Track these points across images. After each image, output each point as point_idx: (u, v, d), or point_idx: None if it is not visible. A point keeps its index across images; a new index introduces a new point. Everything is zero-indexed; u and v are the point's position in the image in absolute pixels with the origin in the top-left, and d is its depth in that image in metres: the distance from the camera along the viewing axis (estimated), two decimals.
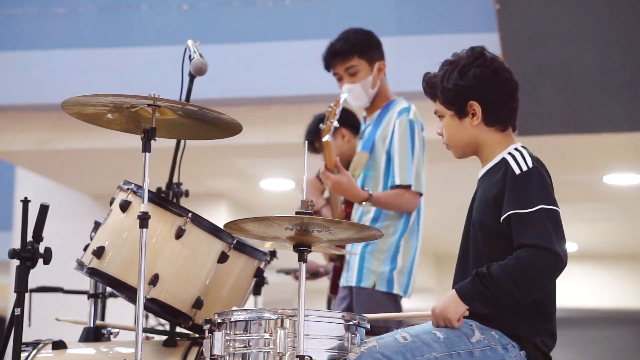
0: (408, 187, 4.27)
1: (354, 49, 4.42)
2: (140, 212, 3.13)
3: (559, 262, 2.89)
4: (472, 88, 3.07)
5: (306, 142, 3.16)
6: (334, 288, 4.72)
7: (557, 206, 2.97)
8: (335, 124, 4.13)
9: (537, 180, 2.97)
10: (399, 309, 4.29)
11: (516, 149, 3.06)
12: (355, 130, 5.10)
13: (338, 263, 4.73)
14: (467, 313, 2.98)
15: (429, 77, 3.16)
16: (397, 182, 4.27)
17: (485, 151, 3.12)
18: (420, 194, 4.32)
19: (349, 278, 4.39)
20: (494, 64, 3.09)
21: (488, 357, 2.94)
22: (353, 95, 4.44)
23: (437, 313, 2.97)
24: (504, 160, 3.04)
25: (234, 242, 3.46)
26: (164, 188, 3.96)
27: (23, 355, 3.43)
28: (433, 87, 3.14)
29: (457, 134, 3.13)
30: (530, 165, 2.99)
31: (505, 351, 2.95)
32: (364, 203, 4.23)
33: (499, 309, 2.98)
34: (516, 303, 2.95)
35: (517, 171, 2.99)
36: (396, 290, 4.27)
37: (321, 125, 4.24)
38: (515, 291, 2.88)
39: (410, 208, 4.30)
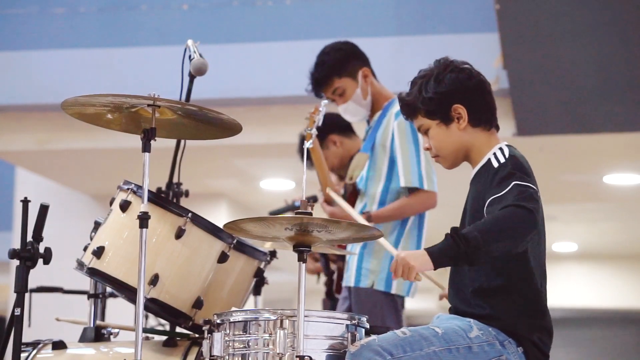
0: (414, 189, 4.26)
1: (332, 72, 4.41)
2: (140, 212, 3.13)
3: (530, 216, 2.89)
4: (452, 92, 3.12)
5: (308, 146, 3.17)
6: (338, 289, 4.72)
7: (533, 185, 2.98)
8: (314, 131, 4.10)
9: (512, 167, 3.02)
10: (398, 309, 4.28)
11: (499, 148, 3.12)
12: (345, 132, 5.11)
13: (340, 264, 4.73)
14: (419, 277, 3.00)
15: (403, 96, 3.21)
16: (402, 184, 4.26)
17: (474, 153, 3.16)
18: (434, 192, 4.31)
19: (348, 278, 4.39)
20: (465, 67, 3.16)
21: (486, 353, 2.96)
22: (350, 113, 4.46)
23: (402, 257, 2.97)
24: (488, 160, 3.10)
25: (234, 242, 3.47)
26: (164, 188, 3.96)
27: (23, 355, 3.43)
28: (410, 104, 3.18)
29: (446, 141, 3.15)
30: (507, 156, 3.05)
31: (502, 347, 2.98)
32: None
33: (495, 306, 3.00)
34: (509, 294, 2.97)
35: (496, 165, 3.05)
36: (395, 290, 4.26)
37: (302, 133, 4.25)
38: (483, 243, 2.87)
39: (426, 208, 4.30)
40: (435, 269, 2.98)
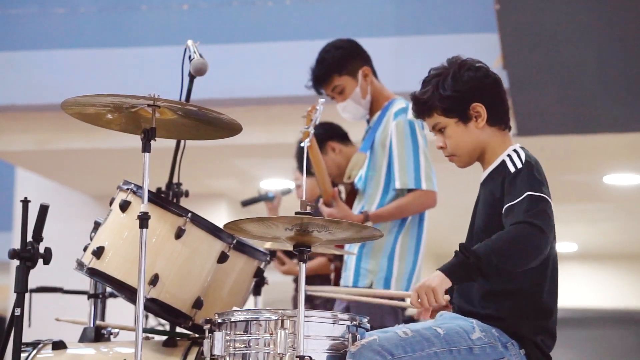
0: (412, 190, 4.25)
1: (332, 70, 4.41)
2: (140, 212, 3.13)
3: (542, 236, 2.90)
4: (471, 90, 3.11)
5: (306, 144, 3.17)
6: None
7: (547, 195, 2.98)
8: (311, 129, 4.10)
9: (527, 174, 3.01)
10: (396, 309, 4.27)
11: (514, 150, 3.10)
12: (344, 140, 5.11)
13: (338, 263, 4.73)
14: (447, 298, 3.00)
15: (417, 95, 3.17)
16: (397, 185, 4.26)
17: (488, 154, 3.15)
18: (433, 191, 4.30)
19: (346, 278, 4.38)
20: (481, 65, 3.16)
21: (488, 355, 2.95)
22: (349, 111, 4.46)
23: (420, 285, 2.96)
24: (503, 162, 3.08)
25: (234, 242, 3.47)
26: (164, 188, 3.96)
27: (23, 355, 3.42)
28: (426, 102, 3.15)
29: (464, 140, 3.14)
30: (523, 161, 3.04)
31: (505, 349, 2.97)
32: (367, 223, 4.20)
33: (500, 307, 3.00)
34: (513, 295, 2.98)
35: (512, 170, 3.03)
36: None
37: (300, 131, 4.24)
38: (495, 261, 2.88)
39: (425, 207, 4.29)
40: (453, 285, 2.97)
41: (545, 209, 2.94)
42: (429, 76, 3.17)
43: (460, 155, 3.17)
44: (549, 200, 2.98)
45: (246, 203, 5.75)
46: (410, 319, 4.76)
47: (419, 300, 2.96)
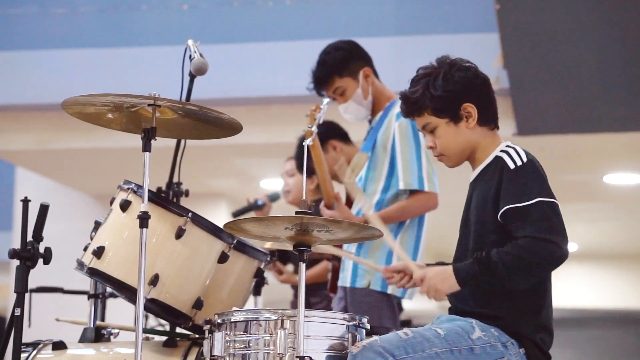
0: (415, 190, 4.25)
1: (333, 71, 4.40)
2: (141, 212, 3.13)
3: (558, 252, 2.91)
4: (462, 90, 3.11)
5: (306, 145, 3.17)
6: (333, 288, 4.72)
7: (555, 198, 2.99)
8: (315, 129, 4.09)
9: (533, 174, 3.01)
10: (394, 309, 4.27)
11: (509, 146, 3.11)
12: (345, 139, 5.11)
13: (336, 263, 4.72)
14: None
15: (407, 94, 3.17)
16: (401, 186, 4.26)
17: (478, 153, 3.15)
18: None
19: (344, 278, 4.38)
20: (470, 65, 3.16)
21: (488, 354, 2.96)
22: (351, 112, 4.45)
23: (431, 277, 3.04)
24: (498, 158, 3.09)
25: (234, 242, 3.47)
26: (164, 188, 3.96)
27: (23, 355, 3.43)
28: (415, 102, 3.15)
29: (455, 140, 3.14)
30: (525, 159, 3.04)
31: (504, 348, 2.97)
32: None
33: (497, 306, 3.01)
34: (510, 294, 3.00)
35: (512, 166, 3.03)
36: (391, 290, 4.25)
37: (303, 130, 4.24)
38: (507, 279, 2.93)
39: (427, 209, 4.29)
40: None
41: (558, 222, 2.95)
42: (417, 75, 3.16)
43: (449, 155, 3.17)
44: (557, 201, 2.99)
45: (237, 214, 5.77)
46: (409, 322, 4.76)
47: (421, 286, 3.08)
